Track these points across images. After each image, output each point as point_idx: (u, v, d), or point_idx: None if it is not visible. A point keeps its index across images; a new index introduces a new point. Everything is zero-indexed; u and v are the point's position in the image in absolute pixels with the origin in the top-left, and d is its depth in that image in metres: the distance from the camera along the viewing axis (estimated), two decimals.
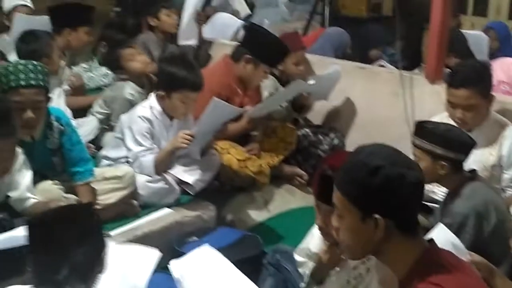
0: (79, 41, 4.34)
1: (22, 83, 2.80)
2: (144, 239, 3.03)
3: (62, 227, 2.04)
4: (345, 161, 1.82)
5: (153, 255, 2.52)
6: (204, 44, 4.81)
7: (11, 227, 2.69)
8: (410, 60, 4.67)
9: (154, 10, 4.58)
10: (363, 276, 2.27)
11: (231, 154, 3.62)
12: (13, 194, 2.80)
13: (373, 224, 1.73)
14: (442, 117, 3.24)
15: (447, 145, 2.60)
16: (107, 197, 3.15)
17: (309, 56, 4.42)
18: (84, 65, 4.53)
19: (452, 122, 3.09)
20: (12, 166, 2.71)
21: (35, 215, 2.48)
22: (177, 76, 3.30)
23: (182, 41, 4.70)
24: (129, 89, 3.89)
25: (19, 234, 2.48)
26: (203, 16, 4.77)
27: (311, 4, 5.42)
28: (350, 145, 4.12)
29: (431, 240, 1.87)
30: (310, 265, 2.47)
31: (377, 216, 1.73)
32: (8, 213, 2.79)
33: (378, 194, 1.72)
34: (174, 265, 2.53)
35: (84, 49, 4.53)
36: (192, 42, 4.74)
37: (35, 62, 2.96)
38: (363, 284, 2.27)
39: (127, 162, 3.38)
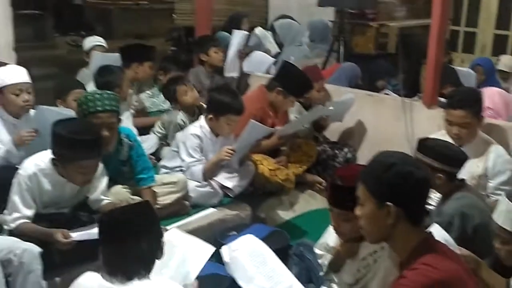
0: (145, 73, 4.38)
1: (99, 108, 2.83)
2: (193, 233, 2.99)
3: (127, 221, 1.98)
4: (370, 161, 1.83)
5: (209, 250, 2.48)
6: (244, 76, 4.83)
7: (89, 222, 2.73)
8: (410, 89, 4.62)
9: (205, 48, 4.60)
10: (371, 265, 2.27)
11: (264, 165, 3.61)
12: (91, 196, 2.83)
13: (386, 211, 1.74)
14: (439, 135, 3.21)
15: (444, 160, 2.57)
16: (165, 199, 3.17)
17: (327, 86, 4.40)
18: (148, 92, 4.56)
19: (449, 138, 3.08)
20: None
21: (104, 212, 2.48)
22: (224, 103, 3.31)
23: (228, 74, 4.73)
24: (181, 116, 3.90)
25: (94, 230, 2.51)
26: (243, 53, 4.81)
27: (329, 43, 5.41)
28: (361, 158, 4.10)
29: (430, 232, 1.86)
30: (328, 257, 2.45)
31: (389, 204, 1.73)
32: (87, 211, 2.82)
33: (391, 186, 1.73)
34: (224, 251, 2.51)
35: (148, 79, 4.59)
36: (235, 74, 4.77)
37: (108, 92, 2.99)
38: (371, 272, 2.26)
39: (181, 170, 3.38)
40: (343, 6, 5.29)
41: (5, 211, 2.62)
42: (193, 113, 3.94)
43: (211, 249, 2.49)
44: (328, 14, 5.55)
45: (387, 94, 4.79)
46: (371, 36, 5.60)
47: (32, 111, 3.16)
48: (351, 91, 4.38)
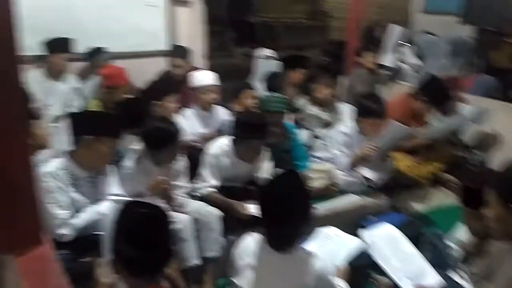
0: (297, 79, 4.44)
1: (271, 109, 3.01)
2: (338, 214, 3.07)
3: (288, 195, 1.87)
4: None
5: (356, 242, 2.49)
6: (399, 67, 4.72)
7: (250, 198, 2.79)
8: None
9: (360, 53, 4.54)
10: (498, 261, 2.13)
11: (402, 162, 3.52)
12: (259, 174, 2.94)
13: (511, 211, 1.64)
14: None
15: None
16: (315, 183, 3.20)
17: (466, 96, 4.12)
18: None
19: None
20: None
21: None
22: (368, 108, 3.28)
23: (384, 63, 4.60)
24: (310, 108, 3.85)
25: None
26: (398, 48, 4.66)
27: (469, 58, 5.06)
28: (493, 163, 3.80)
29: None
30: (458, 250, 2.35)
31: None
32: (255, 186, 2.89)
33: None
34: (365, 233, 2.50)
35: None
36: (391, 64, 4.62)
37: (280, 96, 3.12)
38: (498, 267, 2.12)
39: (330, 161, 3.41)
40: (483, 24, 4.93)
41: (197, 181, 2.86)
42: (327, 106, 3.83)
43: (357, 241, 2.47)
44: (467, 31, 5.18)
45: None
46: (508, 52, 5.13)
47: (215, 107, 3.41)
48: (487, 101, 4.07)
